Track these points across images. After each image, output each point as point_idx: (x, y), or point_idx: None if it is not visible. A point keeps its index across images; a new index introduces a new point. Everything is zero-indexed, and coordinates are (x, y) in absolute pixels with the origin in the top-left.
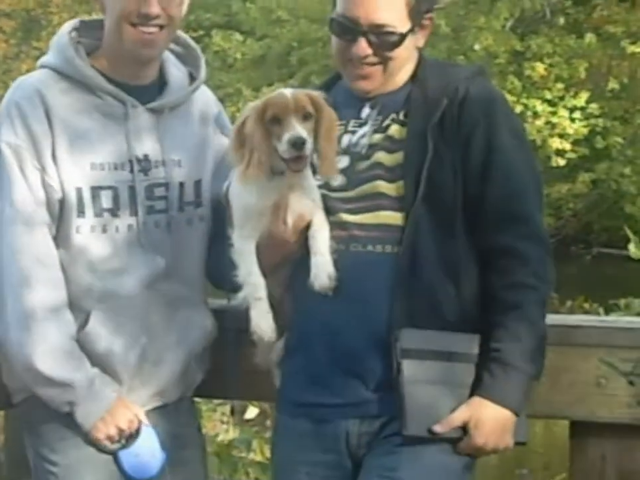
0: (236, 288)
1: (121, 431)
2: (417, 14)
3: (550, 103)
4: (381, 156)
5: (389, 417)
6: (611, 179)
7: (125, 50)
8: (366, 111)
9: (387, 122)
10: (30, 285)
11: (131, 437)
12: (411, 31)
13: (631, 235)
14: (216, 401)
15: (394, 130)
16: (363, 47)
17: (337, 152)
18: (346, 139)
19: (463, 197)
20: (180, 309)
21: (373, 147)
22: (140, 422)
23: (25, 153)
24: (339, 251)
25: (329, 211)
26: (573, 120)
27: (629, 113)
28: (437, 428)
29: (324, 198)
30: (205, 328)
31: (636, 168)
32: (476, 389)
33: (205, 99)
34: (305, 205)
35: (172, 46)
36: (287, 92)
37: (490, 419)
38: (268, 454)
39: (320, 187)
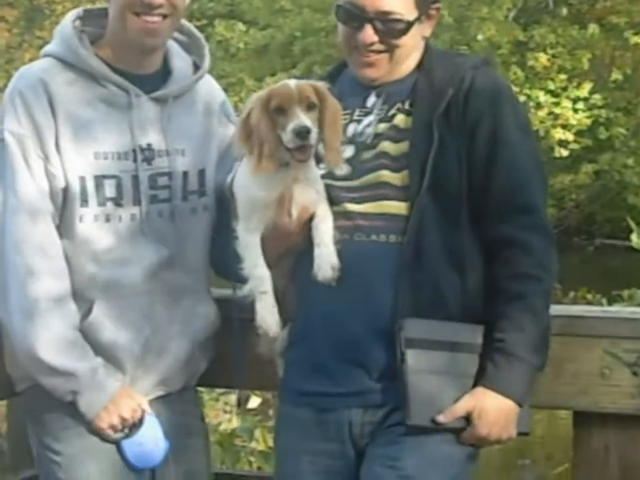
0: (241, 279)
1: (124, 420)
2: (424, 3)
3: (553, 93)
4: (386, 145)
5: (392, 407)
6: (614, 169)
7: (129, 39)
8: (371, 100)
9: (392, 111)
10: (33, 275)
11: (134, 426)
12: (418, 19)
13: (633, 226)
14: (219, 390)
15: (399, 119)
16: (369, 33)
17: (342, 141)
18: (351, 128)
19: (467, 187)
20: (183, 298)
21: (378, 137)
22: (143, 411)
23: (28, 142)
24: (342, 241)
25: (333, 200)
26: (575, 111)
27: (632, 104)
28: (441, 418)
29: (328, 187)
30: (208, 317)
31: (639, 159)
32: (479, 379)
33: (208, 88)
34: (309, 197)
35: (176, 35)
36: (291, 82)
37: (493, 409)
38: (270, 443)
39: (324, 176)
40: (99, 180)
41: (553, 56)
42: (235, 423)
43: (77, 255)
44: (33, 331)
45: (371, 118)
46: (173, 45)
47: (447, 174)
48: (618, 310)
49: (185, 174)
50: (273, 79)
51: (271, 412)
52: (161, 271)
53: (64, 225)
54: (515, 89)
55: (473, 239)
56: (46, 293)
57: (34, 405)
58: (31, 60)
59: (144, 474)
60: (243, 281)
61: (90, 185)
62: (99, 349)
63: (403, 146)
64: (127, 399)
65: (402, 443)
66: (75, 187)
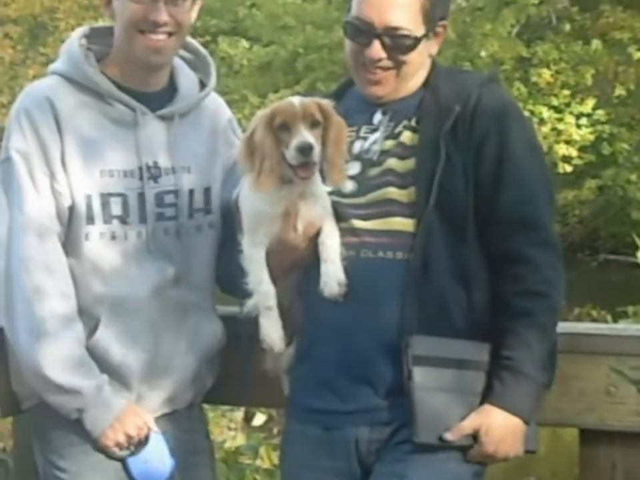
0: (246, 294)
1: (129, 437)
2: (431, 19)
3: (556, 109)
4: (392, 162)
5: (399, 424)
6: (617, 185)
7: (135, 57)
8: (378, 117)
9: (398, 128)
10: (40, 293)
11: (139, 444)
12: (425, 36)
13: (638, 242)
14: (223, 407)
15: (406, 136)
16: (376, 49)
17: (346, 160)
18: (357, 145)
19: (474, 204)
20: (189, 316)
21: (384, 154)
22: (149, 429)
23: (34, 159)
24: (349, 257)
25: (340, 217)
26: (579, 126)
27: (635, 120)
28: (448, 435)
29: (335, 204)
30: (214, 334)
31: None
32: (487, 396)
33: (215, 105)
34: (315, 212)
35: (182, 52)
36: (295, 100)
37: (500, 427)
38: (275, 461)
39: (331, 193)
40: (105, 198)
41: (556, 72)
42: (240, 440)
43: (82, 272)
44: (39, 348)
45: (377, 135)
46: (179, 63)
47: (454, 191)
48: (624, 327)
49: (191, 192)
50: (276, 95)
51: (276, 429)
52: (166, 288)
53: (70, 242)
54: (519, 104)
55: (479, 255)
56: (53, 311)
57: (40, 423)
58: (35, 76)
59: None
60: (247, 295)
61: (96, 203)
62: (105, 366)
63: (410, 163)
64: (132, 416)
65: (409, 461)
66: (81, 205)
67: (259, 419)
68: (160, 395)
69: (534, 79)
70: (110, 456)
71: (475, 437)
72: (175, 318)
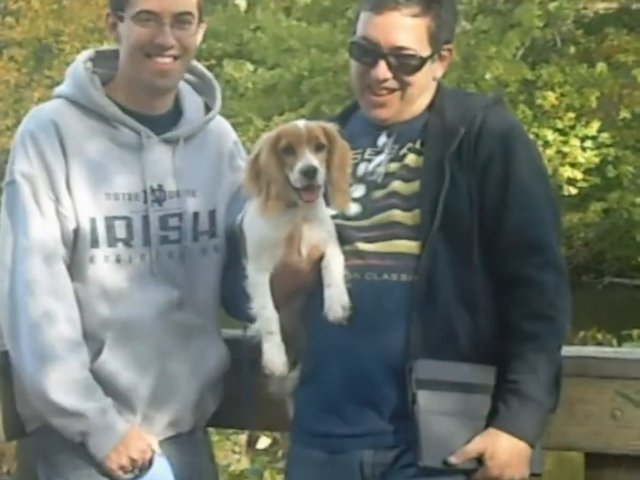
0: (250, 318)
1: (133, 461)
2: (437, 41)
3: (561, 132)
4: (397, 185)
5: (403, 448)
6: (622, 208)
7: (140, 80)
8: (382, 140)
9: (403, 151)
10: (44, 317)
11: (143, 467)
12: (431, 57)
13: None
14: (228, 430)
15: (410, 159)
16: (382, 69)
17: (350, 183)
18: (362, 168)
19: (479, 226)
20: (194, 339)
21: (389, 176)
22: (153, 452)
23: (39, 183)
24: (354, 280)
25: (344, 239)
26: (584, 149)
27: None
28: (453, 459)
29: (339, 227)
30: (218, 358)
31: None
32: (492, 420)
33: (220, 128)
34: (319, 236)
35: (187, 76)
36: (300, 123)
37: (506, 451)
38: None
39: (335, 216)
40: (110, 221)
41: (561, 94)
42: (244, 463)
43: (87, 295)
44: (44, 372)
45: (381, 157)
46: (184, 86)
47: (459, 213)
48: (629, 351)
49: (196, 215)
50: (281, 118)
51: (280, 453)
52: (171, 311)
53: (75, 265)
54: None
55: (484, 278)
56: (60, 335)
57: (44, 445)
58: (40, 99)
59: None
60: (251, 320)
61: (100, 226)
62: (109, 389)
63: (414, 185)
64: (136, 439)
65: None
66: (86, 228)
67: (264, 442)
68: (164, 418)
69: (539, 101)
70: (114, 479)
71: (479, 460)
72: (180, 341)
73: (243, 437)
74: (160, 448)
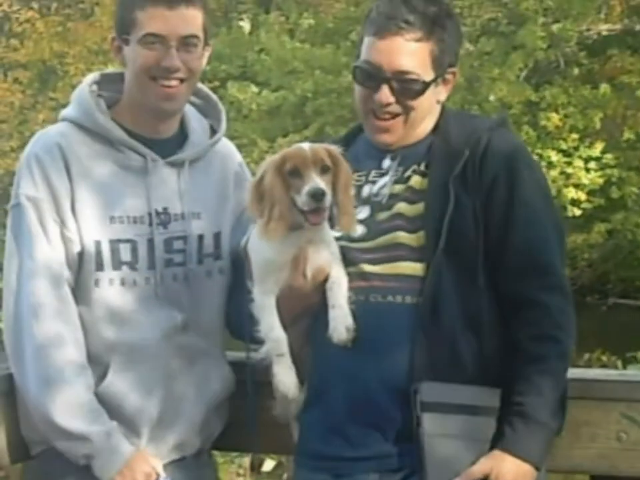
0: (256, 340)
1: None
2: (440, 65)
3: (565, 153)
4: (401, 206)
5: (408, 471)
6: (626, 229)
7: (146, 104)
8: (387, 162)
9: (408, 173)
10: (50, 340)
11: None
12: (434, 81)
13: None
14: (233, 453)
15: (415, 181)
16: (386, 94)
17: (355, 205)
18: (367, 189)
19: (484, 248)
20: (198, 362)
21: (393, 197)
22: (158, 475)
23: (44, 206)
24: (358, 302)
25: (349, 261)
26: (588, 170)
27: None
28: None
29: (344, 248)
30: (223, 380)
31: None
32: (497, 442)
33: (225, 151)
34: (324, 258)
35: (192, 98)
36: (305, 145)
37: (511, 473)
38: None
39: (340, 237)
40: (114, 244)
41: (565, 115)
42: None
43: (92, 318)
44: (49, 395)
45: (386, 179)
46: (189, 109)
47: (463, 235)
48: (635, 373)
49: (201, 237)
50: (285, 139)
51: (285, 476)
52: (175, 334)
53: (79, 288)
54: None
55: (489, 299)
56: (63, 358)
57: (49, 469)
58: (45, 121)
59: None
60: (258, 342)
61: (105, 249)
62: (114, 412)
63: (419, 207)
64: (141, 463)
65: None
66: (91, 251)
67: (269, 464)
68: (169, 441)
69: (542, 122)
70: None
71: None
72: (184, 364)
73: (247, 460)
74: (165, 471)
